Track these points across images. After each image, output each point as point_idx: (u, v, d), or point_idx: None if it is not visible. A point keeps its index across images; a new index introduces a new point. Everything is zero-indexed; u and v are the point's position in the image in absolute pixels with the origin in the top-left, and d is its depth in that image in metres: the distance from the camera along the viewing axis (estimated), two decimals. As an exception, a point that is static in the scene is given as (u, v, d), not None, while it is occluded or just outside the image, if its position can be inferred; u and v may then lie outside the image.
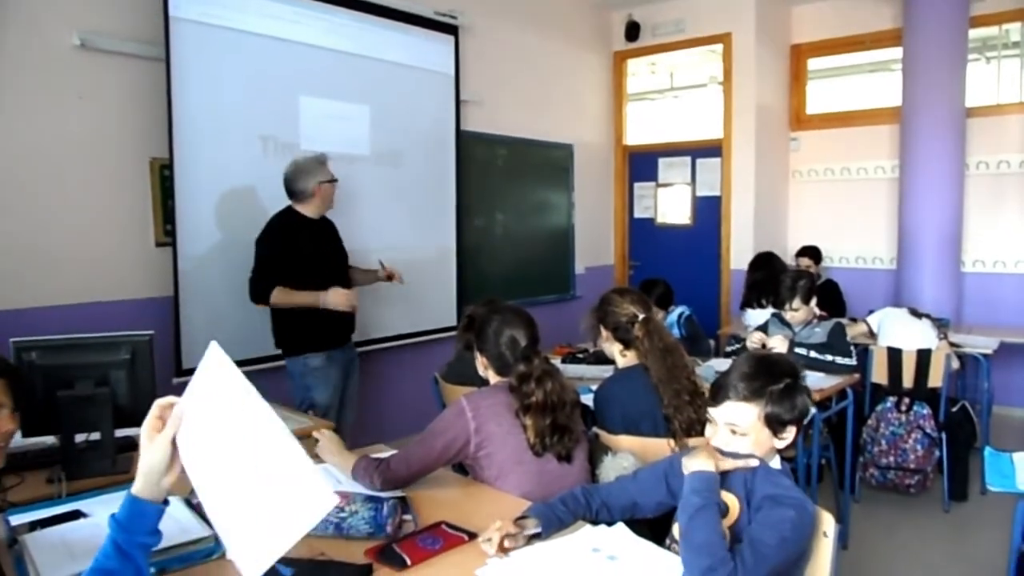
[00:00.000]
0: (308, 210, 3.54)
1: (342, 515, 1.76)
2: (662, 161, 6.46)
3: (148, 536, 1.26)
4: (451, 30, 4.91)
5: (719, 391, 1.67)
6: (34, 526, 1.78)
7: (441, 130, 4.91)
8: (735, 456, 1.66)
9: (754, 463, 1.65)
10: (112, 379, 2.31)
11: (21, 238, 3.30)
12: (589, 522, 1.83)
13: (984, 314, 5.37)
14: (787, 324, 3.78)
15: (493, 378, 2.21)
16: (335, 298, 3.42)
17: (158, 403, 1.28)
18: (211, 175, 3.75)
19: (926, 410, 3.80)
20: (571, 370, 3.65)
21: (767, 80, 6.03)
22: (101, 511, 1.88)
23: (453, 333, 5.09)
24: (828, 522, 1.67)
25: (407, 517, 1.82)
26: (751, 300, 4.36)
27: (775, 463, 1.69)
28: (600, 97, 6.56)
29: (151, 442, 1.25)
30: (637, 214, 6.66)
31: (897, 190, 5.60)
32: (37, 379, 2.19)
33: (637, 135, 6.71)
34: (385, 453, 2.34)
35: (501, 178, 5.57)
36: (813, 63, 6.33)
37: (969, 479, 3.95)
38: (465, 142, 5.10)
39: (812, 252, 5.34)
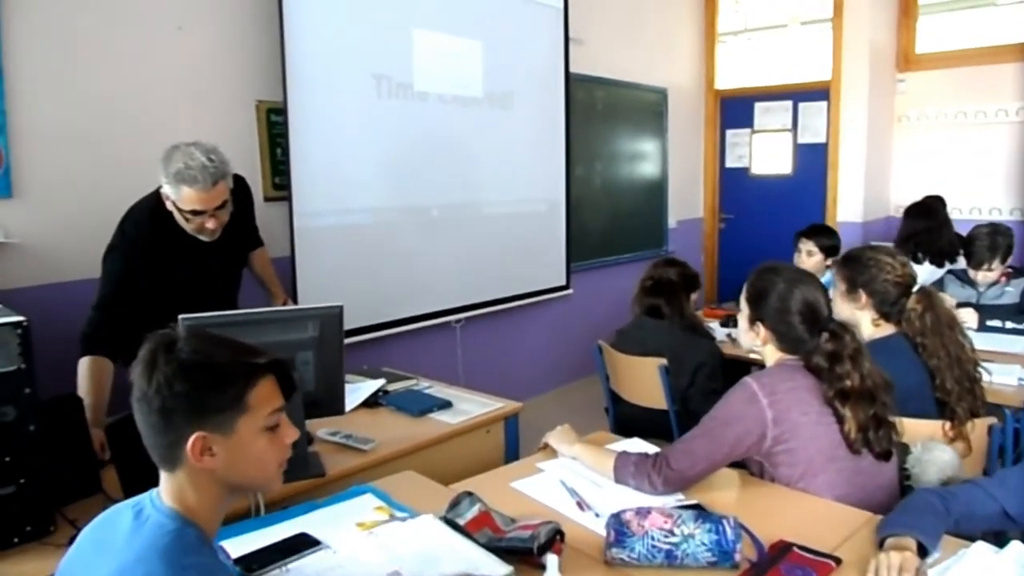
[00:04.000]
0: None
1: (673, 540, 1.39)
2: (758, 106, 5.95)
3: None
4: (559, -42, 4.40)
5: None
6: (253, 565, 1.37)
7: (550, 70, 4.43)
8: None
9: None
10: (298, 361, 1.91)
11: (114, 187, 2.59)
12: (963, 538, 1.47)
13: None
14: (969, 282, 3.39)
15: (773, 354, 1.81)
16: None
17: None
18: (324, 120, 3.29)
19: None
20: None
21: (877, 17, 5.52)
22: (334, 535, 1.50)
23: (563, 293, 4.72)
24: None
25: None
26: (907, 252, 3.94)
27: None
28: (690, 37, 6.04)
29: None
30: (729, 163, 6.17)
31: (1024, 134, 5.17)
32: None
33: (728, 78, 6.19)
34: (616, 445, 1.96)
35: (599, 124, 5.10)
36: (923, -3, 5.80)
37: None
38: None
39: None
